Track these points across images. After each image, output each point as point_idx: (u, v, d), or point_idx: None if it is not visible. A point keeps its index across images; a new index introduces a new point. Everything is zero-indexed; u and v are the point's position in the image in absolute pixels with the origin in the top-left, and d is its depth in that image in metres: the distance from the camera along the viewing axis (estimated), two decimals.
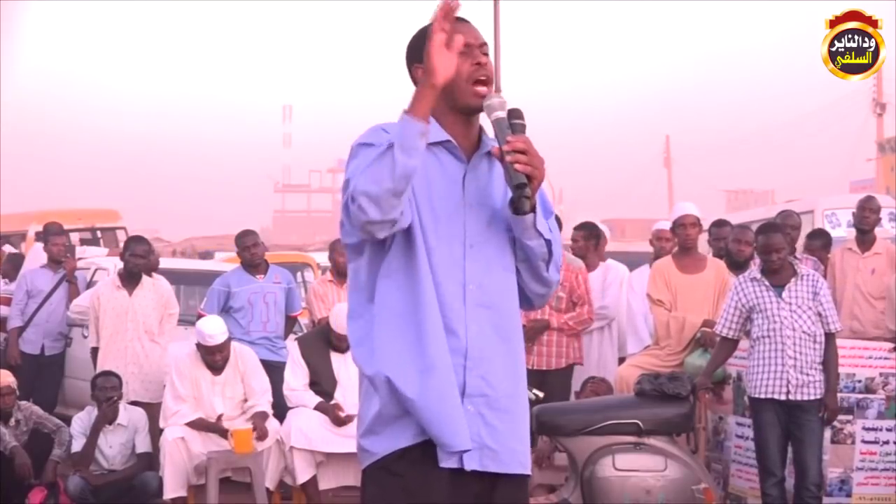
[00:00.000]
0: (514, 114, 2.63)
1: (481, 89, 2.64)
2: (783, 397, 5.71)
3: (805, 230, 8.61)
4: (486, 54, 2.68)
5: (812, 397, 5.71)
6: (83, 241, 14.24)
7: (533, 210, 2.60)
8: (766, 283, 5.87)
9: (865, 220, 7.55)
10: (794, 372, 5.70)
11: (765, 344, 5.79)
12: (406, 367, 2.55)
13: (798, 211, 13.08)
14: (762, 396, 5.77)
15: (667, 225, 7.96)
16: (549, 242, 2.69)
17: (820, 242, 8.03)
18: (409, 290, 2.58)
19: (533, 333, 7.08)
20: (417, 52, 2.69)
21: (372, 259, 2.62)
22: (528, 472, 2.69)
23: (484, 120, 2.72)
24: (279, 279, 7.90)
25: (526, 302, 2.78)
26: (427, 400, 2.52)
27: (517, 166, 2.52)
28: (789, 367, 5.71)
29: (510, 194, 2.59)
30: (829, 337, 5.81)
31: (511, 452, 2.63)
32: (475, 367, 2.60)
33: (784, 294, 5.81)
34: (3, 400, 6.84)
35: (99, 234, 16.02)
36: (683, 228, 6.95)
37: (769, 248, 5.87)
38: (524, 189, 2.53)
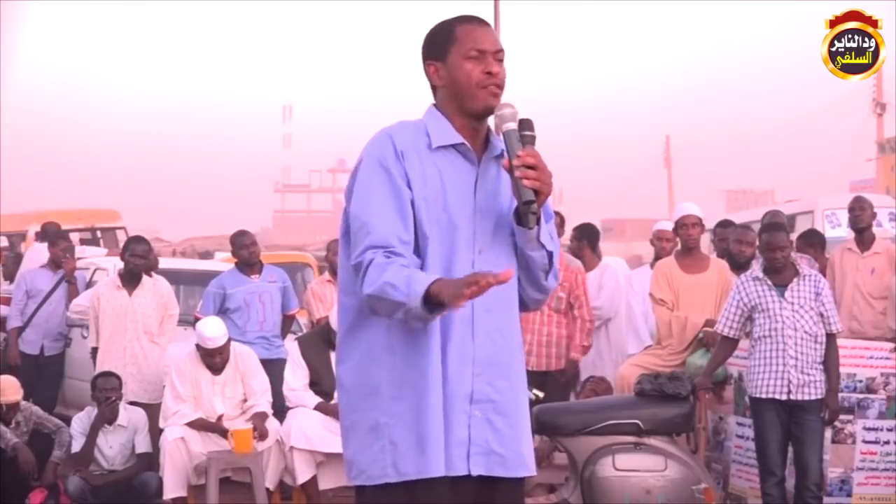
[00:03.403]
0: (525, 125, 2.63)
1: (489, 96, 2.64)
2: (784, 397, 5.71)
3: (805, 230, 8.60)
4: (500, 61, 2.66)
5: (813, 397, 5.71)
6: (83, 241, 14.23)
7: (538, 224, 2.61)
8: (769, 282, 5.86)
9: (860, 219, 7.55)
10: (795, 372, 5.70)
11: (766, 343, 5.78)
12: (392, 384, 2.57)
13: (798, 211, 13.16)
14: (763, 396, 5.76)
15: (667, 225, 7.97)
16: (550, 254, 2.70)
17: (807, 241, 7.98)
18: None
19: (572, 380, 7.37)
20: (434, 48, 2.70)
21: None
22: (534, 472, 2.72)
23: (491, 122, 2.73)
24: (274, 278, 7.91)
25: (521, 305, 2.79)
26: (416, 423, 2.54)
27: (526, 182, 2.52)
28: (790, 367, 5.71)
29: (516, 203, 2.59)
30: (831, 337, 5.81)
31: (518, 456, 2.65)
32: (482, 372, 2.62)
33: (786, 294, 5.80)
34: (6, 413, 6.84)
35: (99, 234, 16.02)
36: (685, 228, 6.95)
37: (773, 246, 5.86)
38: (531, 205, 2.54)
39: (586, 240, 8.16)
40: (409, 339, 2.57)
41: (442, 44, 2.68)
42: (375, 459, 2.57)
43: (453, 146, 2.66)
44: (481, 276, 2.35)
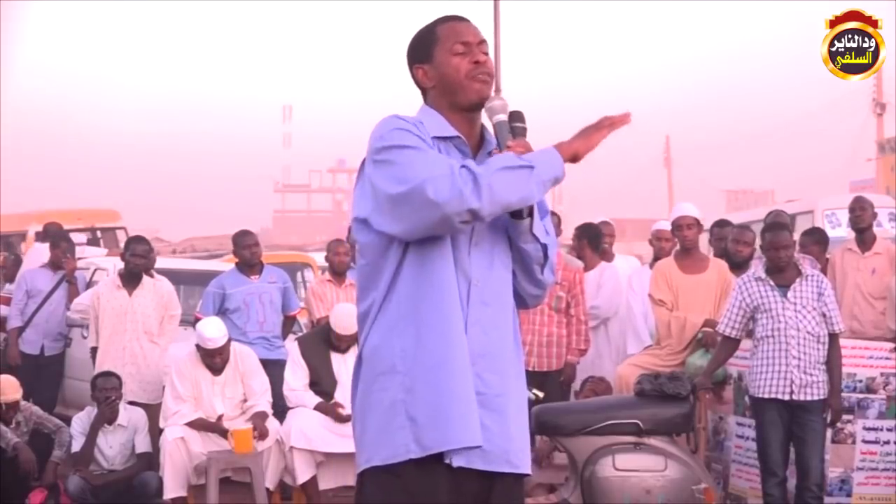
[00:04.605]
0: (515, 117, 2.65)
1: (480, 86, 2.66)
2: (786, 397, 5.70)
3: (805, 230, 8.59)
4: (485, 53, 2.69)
5: (815, 397, 5.70)
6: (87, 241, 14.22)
7: (530, 215, 2.61)
8: (771, 283, 5.86)
9: (860, 219, 7.55)
10: (797, 372, 5.70)
11: (769, 344, 5.78)
12: (420, 362, 2.55)
13: (798, 211, 13.13)
14: (765, 396, 5.76)
15: (666, 225, 7.96)
16: (544, 246, 2.70)
17: (813, 239, 7.98)
18: (428, 288, 2.57)
19: (571, 380, 7.37)
20: (419, 52, 2.73)
21: (391, 257, 2.60)
22: (521, 470, 2.67)
23: (484, 118, 2.74)
24: (274, 279, 7.89)
25: (521, 302, 2.79)
26: (438, 395, 2.53)
27: None
28: (793, 367, 5.70)
29: None
30: (833, 337, 5.80)
31: (501, 452, 2.61)
32: (473, 363, 2.59)
33: (789, 294, 5.80)
34: (6, 413, 6.84)
35: (99, 234, 16.01)
36: (680, 230, 6.95)
37: (777, 245, 5.86)
38: None
39: (586, 239, 8.15)
40: (419, 321, 2.55)
41: (426, 46, 2.71)
42: (393, 438, 2.54)
43: (449, 139, 2.67)
44: (609, 119, 2.59)
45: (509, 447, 2.64)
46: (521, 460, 2.67)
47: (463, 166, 2.47)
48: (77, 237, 12.34)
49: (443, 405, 2.52)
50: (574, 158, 2.58)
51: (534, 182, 2.50)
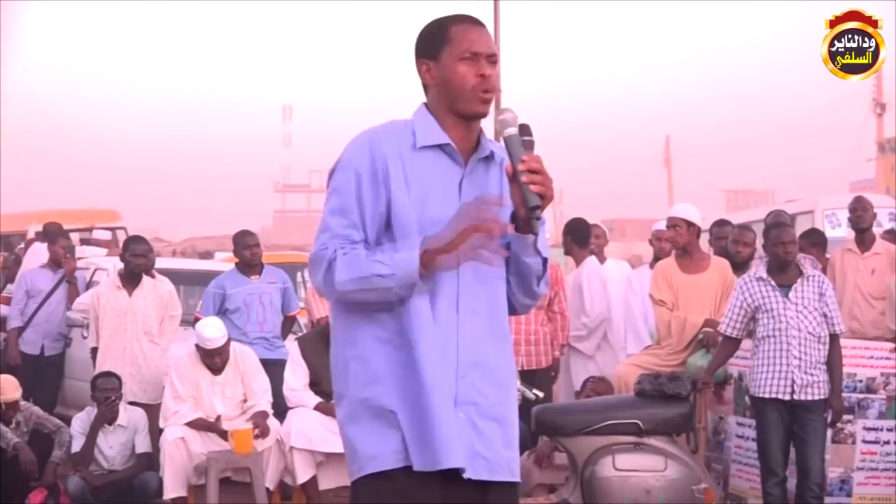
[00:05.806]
0: (524, 130, 2.63)
1: (481, 101, 2.62)
2: (787, 397, 5.71)
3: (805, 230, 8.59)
4: (494, 63, 2.64)
5: (816, 397, 5.70)
6: (83, 241, 14.24)
7: (536, 232, 2.59)
8: (773, 282, 5.86)
9: (861, 219, 7.55)
10: (798, 372, 5.70)
11: (770, 343, 5.78)
12: (398, 385, 2.54)
13: (798, 211, 13.15)
14: (766, 396, 5.76)
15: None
16: (544, 260, 2.68)
17: (810, 241, 7.97)
18: (418, 298, 2.54)
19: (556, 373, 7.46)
20: (427, 47, 2.67)
21: None
22: (518, 479, 2.68)
23: (485, 123, 2.71)
24: (274, 279, 7.89)
25: (510, 309, 2.76)
26: (419, 417, 2.51)
27: (532, 187, 2.50)
28: (794, 368, 5.70)
29: (511, 210, 2.57)
30: (834, 338, 5.80)
31: (501, 460, 2.61)
32: (466, 374, 2.58)
33: (791, 294, 5.80)
34: (6, 413, 6.84)
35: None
36: (668, 231, 6.97)
37: (784, 239, 5.85)
38: (536, 210, 2.51)
39: (570, 236, 8.14)
40: (409, 332, 2.53)
41: (435, 43, 2.65)
42: (387, 445, 2.53)
43: (438, 146, 2.63)
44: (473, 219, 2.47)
45: (508, 455, 2.64)
46: (517, 468, 2.68)
47: (341, 249, 2.53)
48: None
49: (431, 423, 2.50)
50: (446, 267, 2.52)
51: (399, 290, 2.50)
